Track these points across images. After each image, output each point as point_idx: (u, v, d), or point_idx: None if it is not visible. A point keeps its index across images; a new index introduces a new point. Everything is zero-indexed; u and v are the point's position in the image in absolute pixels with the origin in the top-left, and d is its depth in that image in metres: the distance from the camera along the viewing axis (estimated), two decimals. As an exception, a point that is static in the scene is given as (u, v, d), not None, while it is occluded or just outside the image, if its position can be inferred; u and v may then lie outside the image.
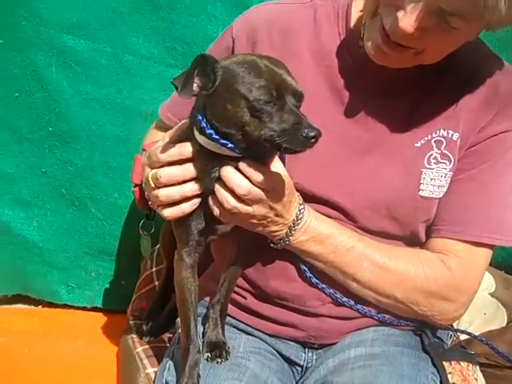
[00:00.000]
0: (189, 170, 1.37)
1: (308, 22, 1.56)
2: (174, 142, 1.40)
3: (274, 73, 1.28)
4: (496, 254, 1.95)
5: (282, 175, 1.36)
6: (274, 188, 1.35)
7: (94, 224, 2.30)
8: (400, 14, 1.29)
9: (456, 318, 1.60)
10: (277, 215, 1.40)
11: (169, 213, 1.40)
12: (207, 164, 1.36)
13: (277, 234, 1.44)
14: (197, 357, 1.44)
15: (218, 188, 1.35)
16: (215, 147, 1.33)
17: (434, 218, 1.53)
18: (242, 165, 1.32)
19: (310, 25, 1.56)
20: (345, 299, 1.53)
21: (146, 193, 1.50)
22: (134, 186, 1.60)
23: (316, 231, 1.46)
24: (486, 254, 1.52)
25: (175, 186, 1.39)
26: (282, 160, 1.40)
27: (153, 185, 1.41)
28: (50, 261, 2.32)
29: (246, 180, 1.32)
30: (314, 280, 1.52)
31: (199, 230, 1.43)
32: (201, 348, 1.48)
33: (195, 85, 1.28)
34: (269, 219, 1.40)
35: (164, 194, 1.39)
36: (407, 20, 1.28)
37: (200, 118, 1.33)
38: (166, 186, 1.39)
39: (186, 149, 1.37)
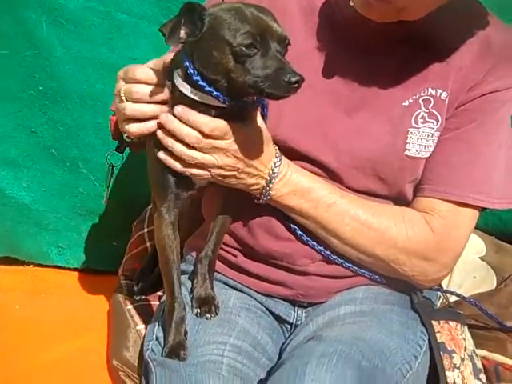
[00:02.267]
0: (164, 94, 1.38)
1: None
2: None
3: (259, 19, 1.29)
4: (487, 219, 1.99)
5: (249, 127, 1.39)
6: (231, 136, 1.37)
7: (85, 184, 2.28)
8: None
9: (437, 280, 1.61)
10: (247, 165, 1.40)
11: (135, 128, 1.40)
12: None
13: (255, 187, 1.45)
14: (182, 314, 1.45)
15: (171, 142, 1.37)
16: (197, 95, 1.34)
17: (421, 177, 1.53)
18: (178, 110, 1.35)
19: None
20: (335, 256, 1.54)
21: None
22: (113, 115, 1.57)
23: (297, 185, 1.47)
24: (470, 216, 1.52)
25: (147, 104, 1.38)
26: (263, 116, 1.42)
27: (124, 98, 1.39)
28: (40, 222, 2.30)
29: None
30: (305, 237, 1.52)
31: (176, 183, 1.43)
32: (187, 304, 1.49)
33: (182, 32, 1.29)
34: (239, 170, 1.40)
35: (133, 108, 1.39)
36: None
37: (187, 63, 1.33)
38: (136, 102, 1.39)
39: (161, 94, 1.38)
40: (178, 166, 1.39)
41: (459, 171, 1.49)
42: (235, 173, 1.41)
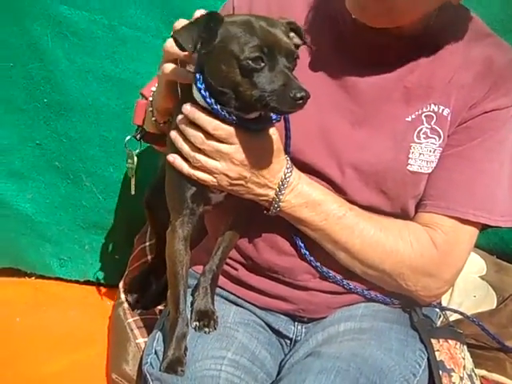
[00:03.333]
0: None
1: None
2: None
3: (268, 33, 1.29)
4: (488, 238, 1.98)
5: (260, 136, 1.39)
6: (237, 142, 1.37)
7: (89, 197, 2.29)
8: None
9: (439, 296, 1.62)
10: (255, 175, 1.41)
11: None
12: None
13: (264, 197, 1.45)
14: (185, 330, 1.44)
15: (181, 142, 1.40)
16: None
17: (423, 192, 1.53)
18: (185, 108, 1.36)
19: None
20: (331, 273, 1.54)
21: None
22: (141, 98, 1.61)
23: (309, 197, 1.47)
24: (471, 232, 1.52)
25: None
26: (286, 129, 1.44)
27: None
28: (43, 234, 2.31)
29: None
30: (303, 251, 1.52)
31: (192, 196, 1.43)
32: (189, 319, 1.48)
33: (196, 40, 1.29)
34: (246, 179, 1.40)
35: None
36: None
37: (198, 77, 1.34)
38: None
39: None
40: (184, 167, 1.40)
41: (461, 188, 1.49)
42: (242, 181, 1.41)
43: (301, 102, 1.24)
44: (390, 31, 1.44)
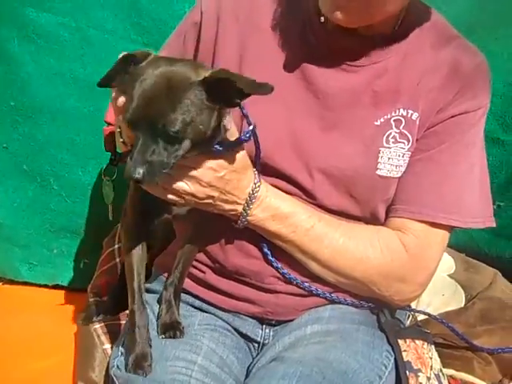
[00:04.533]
0: None
1: None
2: None
3: (138, 98, 1.22)
4: (457, 237, 1.99)
5: (225, 156, 1.37)
6: (205, 166, 1.35)
7: (57, 201, 2.26)
8: None
9: (413, 299, 1.61)
10: (223, 193, 1.40)
11: None
12: None
13: (232, 212, 1.44)
14: (144, 321, 1.44)
15: None
16: None
17: (393, 197, 1.53)
18: None
19: (274, 0, 1.55)
20: (298, 279, 1.53)
21: None
22: (107, 126, 1.60)
23: (277, 210, 1.46)
24: (443, 235, 1.53)
25: None
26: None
27: None
28: (10, 238, 2.29)
29: None
30: (270, 257, 1.52)
31: (153, 206, 1.43)
32: (154, 329, 1.49)
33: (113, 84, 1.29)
34: (214, 198, 1.40)
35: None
36: None
37: None
38: None
39: None
40: (156, 191, 1.39)
41: (430, 192, 1.50)
42: (210, 201, 1.41)
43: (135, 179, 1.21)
44: (358, 33, 1.44)
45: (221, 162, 1.38)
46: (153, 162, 1.21)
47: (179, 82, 1.23)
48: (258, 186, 1.44)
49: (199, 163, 1.36)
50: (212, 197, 1.40)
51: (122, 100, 1.32)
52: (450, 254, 2.01)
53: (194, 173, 1.36)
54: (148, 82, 1.22)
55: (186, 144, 1.25)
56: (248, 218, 1.45)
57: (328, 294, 1.55)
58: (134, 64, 1.27)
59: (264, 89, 1.24)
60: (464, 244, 2.07)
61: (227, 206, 1.43)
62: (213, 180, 1.38)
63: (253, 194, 1.44)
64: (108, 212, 1.75)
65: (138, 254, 1.47)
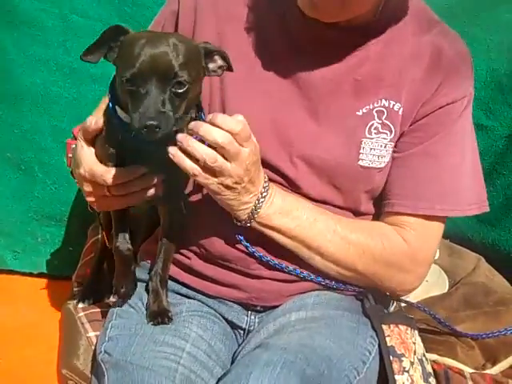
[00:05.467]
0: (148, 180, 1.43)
1: None
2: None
3: (147, 54, 1.24)
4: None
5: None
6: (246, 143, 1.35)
7: (41, 189, 2.25)
8: None
9: (413, 289, 1.63)
10: (250, 181, 1.40)
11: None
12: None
13: (247, 205, 1.43)
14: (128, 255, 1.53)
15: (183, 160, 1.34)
16: None
17: (388, 192, 1.55)
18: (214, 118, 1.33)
19: None
20: (283, 264, 1.53)
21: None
22: (72, 138, 1.58)
23: (282, 204, 1.47)
24: (439, 226, 1.55)
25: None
26: None
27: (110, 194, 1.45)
28: (-6, 226, 2.26)
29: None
30: (251, 249, 1.52)
31: None
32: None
33: (100, 53, 1.30)
34: (242, 184, 1.39)
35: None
36: None
37: (110, 92, 1.36)
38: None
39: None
40: (195, 167, 1.35)
41: (426, 185, 1.51)
42: (239, 186, 1.39)
43: (145, 130, 1.21)
44: (339, 23, 1.44)
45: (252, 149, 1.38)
46: (165, 113, 1.23)
47: (184, 42, 1.29)
48: (267, 183, 1.45)
49: (249, 140, 1.36)
50: (242, 181, 1.38)
51: (97, 121, 1.38)
52: (434, 241, 2.01)
53: (245, 151, 1.35)
54: (151, 42, 1.25)
55: (184, 105, 1.28)
56: (260, 211, 1.44)
57: (314, 277, 1.55)
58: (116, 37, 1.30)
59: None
60: (448, 230, 2.02)
61: (246, 197, 1.42)
62: (250, 163, 1.37)
63: (265, 185, 1.44)
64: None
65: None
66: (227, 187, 1.39)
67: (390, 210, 1.54)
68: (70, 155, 1.55)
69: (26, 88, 2.14)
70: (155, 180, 1.44)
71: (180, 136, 1.33)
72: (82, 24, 2.08)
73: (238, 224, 1.47)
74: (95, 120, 1.41)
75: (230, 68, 1.38)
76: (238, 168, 1.36)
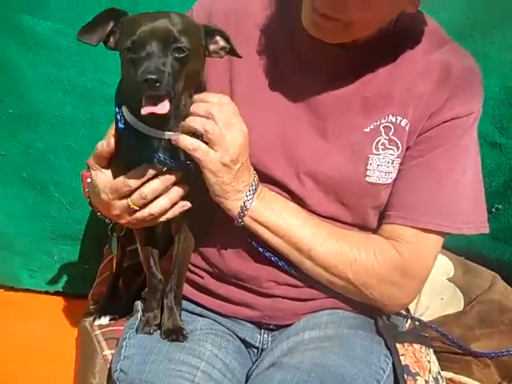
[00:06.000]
0: (169, 177, 1.42)
1: (263, 3, 1.56)
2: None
3: (146, 22, 1.29)
4: (456, 240, 1.97)
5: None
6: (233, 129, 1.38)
7: (57, 208, 2.27)
8: None
9: (405, 305, 1.61)
10: (243, 166, 1.41)
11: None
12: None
13: (240, 196, 1.44)
14: (156, 285, 1.55)
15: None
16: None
17: (386, 203, 1.53)
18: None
19: (265, 6, 1.55)
20: (299, 274, 1.53)
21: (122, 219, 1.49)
22: (87, 170, 1.57)
23: (273, 201, 1.48)
24: (435, 241, 1.52)
25: (162, 197, 1.44)
26: None
27: (137, 207, 1.43)
28: (10, 245, 2.29)
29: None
30: (268, 254, 1.51)
31: None
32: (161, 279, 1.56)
33: (98, 35, 1.34)
34: (238, 165, 1.40)
35: (157, 207, 1.44)
36: None
37: (117, 110, 1.40)
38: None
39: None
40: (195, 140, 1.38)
41: (424, 198, 1.49)
42: (235, 167, 1.39)
43: (146, 85, 1.23)
44: (344, 43, 1.44)
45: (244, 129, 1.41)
46: (165, 72, 1.25)
47: (183, 16, 1.34)
48: (256, 177, 1.46)
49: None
50: (236, 163, 1.39)
51: (109, 142, 1.40)
52: (449, 258, 1.99)
53: (230, 121, 1.38)
54: (150, 16, 1.29)
55: (184, 74, 1.30)
56: (250, 207, 1.44)
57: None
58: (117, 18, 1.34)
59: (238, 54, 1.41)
60: (463, 247, 2.05)
61: (240, 185, 1.42)
62: (242, 144, 1.40)
63: (254, 181, 1.45)
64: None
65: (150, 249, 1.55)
66: (224, 165, 1.39)
67: (387, 221, 1.53)
68: (88, 190, 1.56)
69: (40, 109, 2.16)
70: (174, 178, 1.43)
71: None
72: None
73: (236, 222, 1.47)
74: (106, 142, 1.42)
75: (232, 50, 1.40)
76: (234, 143, 1.38)
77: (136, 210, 1.44)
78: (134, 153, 1.40)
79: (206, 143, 1.38)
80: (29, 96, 2.15)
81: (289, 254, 1.51)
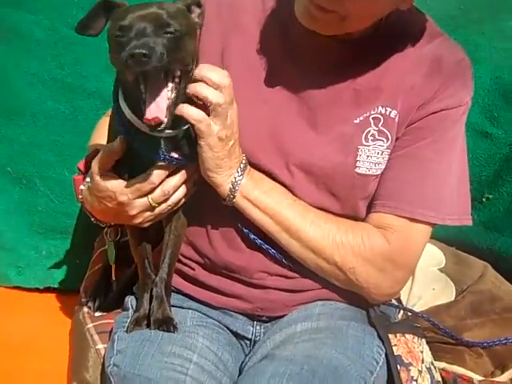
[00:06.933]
0: (186, 171, 1.45)
1: None
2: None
3: (136, 10, 1.29)
4: (447, 230, 1.99)
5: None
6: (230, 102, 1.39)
7: (44, 202, 2.22)
8: None
9: (391, 295, 1.61)
10: (236, 143, 1.43)
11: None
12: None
13: (231, 172, 1.45)
14: (149, 285, 1.55)
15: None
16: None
17: (374, 192, 1.54)
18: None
19: None
20: (289, 261, 1.54)
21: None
22: (78, 174, 1.58)
23: (262, 181, 1.50)
24: (423, 231, 1.53)
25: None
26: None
27: (156, 204, 1.46)
28: (-4, 242, 2.25)
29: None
30: (258, 241, 1.52)
31: None
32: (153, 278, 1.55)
33: (98, 24, 1.35)
34: (232, 141, 1.41)
35: (175, 199, 1.47)
36: None
37: (113, 91, 1.40)
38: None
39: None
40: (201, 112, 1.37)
41: (410, 188, 1.50)
42: (229, 142, 1.40)
43: (132, 60, 1.21)
44: (338, 35, 1.43)
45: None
46: (155, 48, 1.23)
47: (169, 3, 1.35)
48: (244, 155, 1.47)
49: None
50: (231, 139, 1.41)
51: (120, 141, 1.39)
52: (440, 248, 2.00)
53: (232, 101, 1.38)
54: (139, 6, 1.30)
55: (179, 59, 1.30)
56: (241, 183, 1.45)
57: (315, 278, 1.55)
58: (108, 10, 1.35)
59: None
60: (454, 237, 2.06)
61: (231, 160, 1.43)
62: (235, 122, 1.41)
63: (244, 159, 1.46)
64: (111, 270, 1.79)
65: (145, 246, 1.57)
66: (221, 139, 1.39)
67: (374, 210, 1.53)
68: (81, 196, 1.55)
69: (23, 102, 2.12)
70: (191, 172, 1.46)
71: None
72: (74, 37, 1.96)
73: (223, 202, 1.48)
74: (116, 144, 1.40)
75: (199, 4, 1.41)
76: (230, 118, 1.39)
77: (154, 207, 1.45)
78: (140, 152, 1.40)
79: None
80: (10, 89, 2.11)
81: (277, 235, 1.51)
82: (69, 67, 2.08)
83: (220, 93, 1.36)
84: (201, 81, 1.36)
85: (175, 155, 1.42)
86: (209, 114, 1.37)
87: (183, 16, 1.35)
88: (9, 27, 2.04)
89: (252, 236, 1.52)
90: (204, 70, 1.37)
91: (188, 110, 1.36)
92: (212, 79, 1.35)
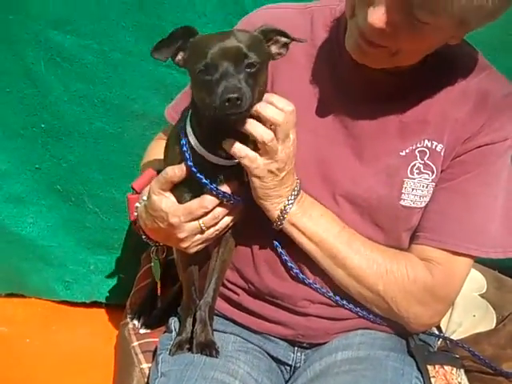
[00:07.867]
0: None
1: (305, 27, 1.56)
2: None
3: (216, 43, 1.31)
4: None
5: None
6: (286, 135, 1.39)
7: (92, 218, 2.29)
8: (370, 9, 1.30)
9: (430, 326, 1.62)
10: (289, 172, 1.44)
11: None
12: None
13: (282, 200, 1.46)
14: (193, 309, 1.57)
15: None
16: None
17: (417, 224, 1.54)
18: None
19: (307, 30, 1.56)
20: (330, 293, 1.55)
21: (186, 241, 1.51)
22: (132, 193, 1.61)
23: (311, 207, 1.50)
24: (466, 263, 1.53)
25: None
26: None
27: (206, 228, 1.48)
28: (45, 257, 2.32)
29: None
30: (301, 276, 1.54)
31: None
32: (198, 303, 1.57)
33: (167, 52, 1.35)
34: (283, 173, 1.43)
35: (224, 224, 1.50)
36: (375, 14, 1.29)
37: (182, 135, 1.43)
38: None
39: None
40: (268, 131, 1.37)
41: (454, 221, 1.49)
42: (280, 174, 1.42)
43: (227, 104, 1.24)
44: (386, 68, 1.43)
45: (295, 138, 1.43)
46: (243, 89, 1.27)
47: (246, 32, 1.37)
48: (299, 182, 1.49)
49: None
50: (282, 171, 1.42)
51: (181, 168, 1.43)
52: (482, 272, 1.97)
53: (288, 134, 1.39)
54: (218, 37, 1.32)
55: (257, 88, 1.33)
56: (289, 211, 1.47)
57: (359, 309, 1.56)
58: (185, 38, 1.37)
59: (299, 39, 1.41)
60: (497, 260, 2.01)
61: (282, 189, 1.45)
62: (292, 152, 1.42)
63: (297, 186, 1.48)
64: (157, 287, 1.82)
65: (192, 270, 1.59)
66: (271, 172, 1.41)
67: (416, 242, 1.54)
68: (136, 213, 1.58)
69: (71, 123, 2.18)
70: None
71: None
72: (122, 60, 2.09)
73: (272, 226, 1.50)
74: (178, 168, 1.44)
75: (293, 39, 1.40)
76: (284, 152, 1.40)
77: (204, 231, 1.48)
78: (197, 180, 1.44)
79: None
80: (59, 111, 2.17)
81: (322, 262, 1.52)
82: (116, 89, 2.13)
83: (269, 131, 1.36)
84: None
85: (227, 190, 1.45)
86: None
87: (260, 45, 1.37)
88: (58, 51, 2.10)
89: (295, 270, 1.54)
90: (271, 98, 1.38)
91: (233, 147, 1.38)
92: (266, 113, 1.36)
